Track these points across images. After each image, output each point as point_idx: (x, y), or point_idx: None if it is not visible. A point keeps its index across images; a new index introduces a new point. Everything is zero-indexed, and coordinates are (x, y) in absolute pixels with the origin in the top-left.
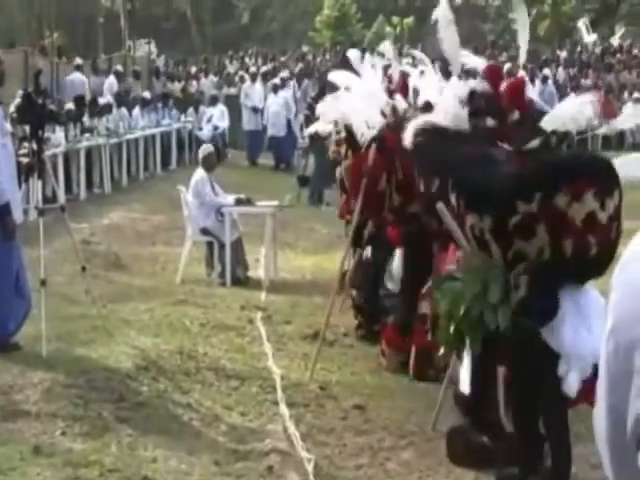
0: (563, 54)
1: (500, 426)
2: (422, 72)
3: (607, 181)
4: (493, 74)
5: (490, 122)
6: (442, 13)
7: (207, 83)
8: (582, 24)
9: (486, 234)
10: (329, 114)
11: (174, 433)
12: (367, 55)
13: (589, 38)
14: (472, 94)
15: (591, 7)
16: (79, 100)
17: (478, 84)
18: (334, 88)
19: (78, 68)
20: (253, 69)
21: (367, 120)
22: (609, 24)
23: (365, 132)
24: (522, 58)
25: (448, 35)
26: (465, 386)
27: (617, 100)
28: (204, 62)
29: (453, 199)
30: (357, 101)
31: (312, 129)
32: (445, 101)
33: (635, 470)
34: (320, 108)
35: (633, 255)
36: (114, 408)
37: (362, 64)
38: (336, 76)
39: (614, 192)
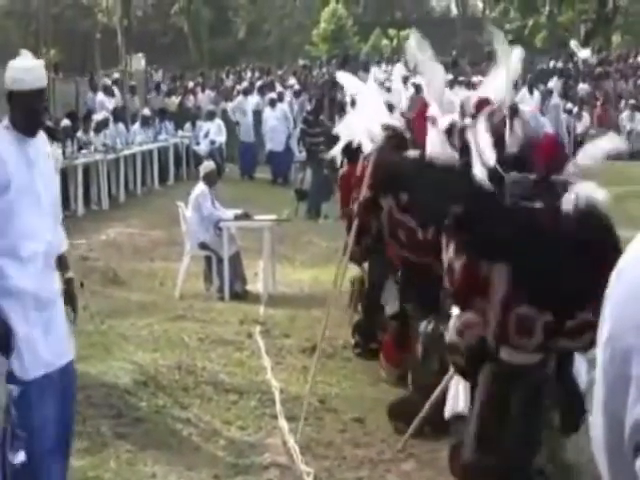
0: (559, 64)
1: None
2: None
3: None
4: (482, 107)
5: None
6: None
7: (204, 98)
8: (573, 45)
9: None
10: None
11: (173, 448)
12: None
13: (583, 54)
14: (457, 128)
15: (587, 17)
16: (73, 116)
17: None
18: (332, 100)
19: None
20: (245, 83)
21: (369, 133)
22: (605, 34)
23: (366, 144)
24: (507, 101)
25: (433, 75)
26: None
27: (614, 109)
28: (201, 77)
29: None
30: (361, 115)
31: (333, 152)
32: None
33: (633, 477)
34: (339, 128)
35: (629, 263)
36: (113, 424)
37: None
38: (343, 78)
39: None
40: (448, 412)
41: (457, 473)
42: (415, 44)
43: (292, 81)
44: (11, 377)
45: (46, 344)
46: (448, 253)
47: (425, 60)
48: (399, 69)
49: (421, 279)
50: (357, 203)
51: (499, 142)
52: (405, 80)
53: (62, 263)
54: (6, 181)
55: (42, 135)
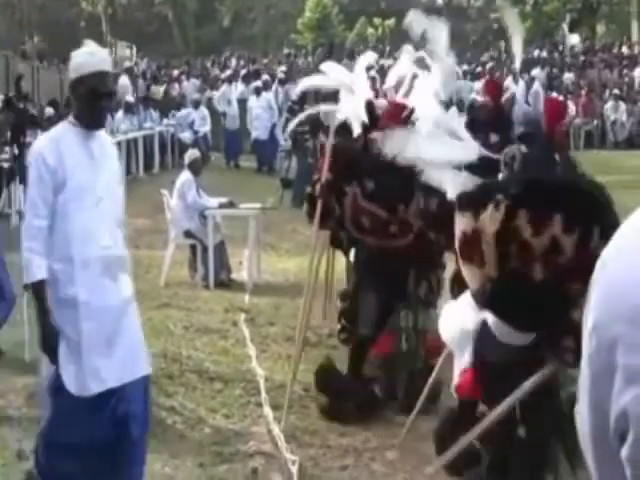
0: (543, 54)
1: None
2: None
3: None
4: (494, 89)
5: (494, 137)
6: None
7: (189, 86)
8: (565, 26)
9: None
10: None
11: (158, 436)
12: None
13: (572, 39)
14: (472, 106)
15: (572, 7)
16: (54, 103)
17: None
18: (318, 90)
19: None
20: (229, 72)
21: (354, 115)
22: (590, 24)
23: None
24: (517, 64)
25: (444, 65)
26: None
27: (599, 98)
28: (186, 65)
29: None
30: (345, 98)
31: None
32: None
33: (618, 466)
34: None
35: (614, 252)
36: None
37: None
38: (327, 67)
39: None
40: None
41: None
42: (436, 32)
43: (282, 68)
44: (60, 390)
45: (104, 359)
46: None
47: (441, 52)
48: (368, 57)
49: (384, 264)
50: (319, 185)
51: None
52: (369, 69)
53: None
54: (62, 179)
55: (108, 137)
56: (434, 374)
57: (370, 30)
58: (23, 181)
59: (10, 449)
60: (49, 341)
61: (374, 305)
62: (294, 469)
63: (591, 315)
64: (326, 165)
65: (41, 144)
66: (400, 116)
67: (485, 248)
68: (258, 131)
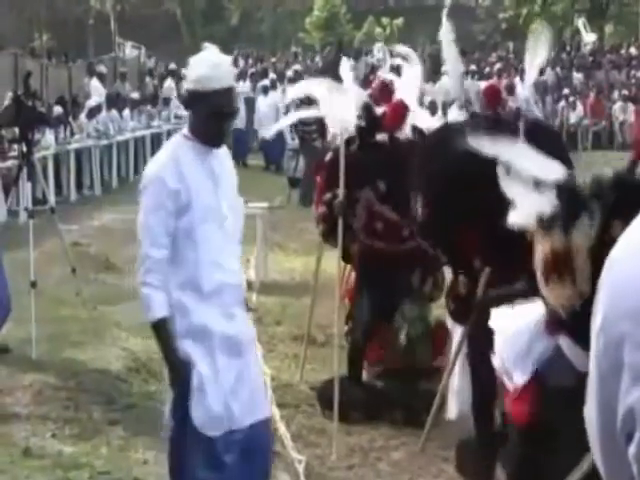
0: (551, 54)
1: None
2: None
3: None
4: (493, 94)
5: None
6: (447, 43)
7: None
8: (581, 24)
9: None
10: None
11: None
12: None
13: (588, 37)
14: (472, 115)
15: (581, 7)
16: (62, 101)
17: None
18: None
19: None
20: (235, 70)
21: (342, 121)
22: (599, 25)
23: (339, 133)
24: (530, 79)
25: (453, 65)
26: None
27: (607, 99)
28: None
29: None
30: (333, 102)
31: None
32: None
33: (625, 465)
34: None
35: (621, 252)
36: (105, 410)
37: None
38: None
39: None
40: (452, 413)
41: (463, 472)
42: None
43: (295, 67)
44: (193, 431)
45: (235, 397)
46: None
47: (451, 53)
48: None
49: (387, 266)
50: (335, 203)
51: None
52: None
53: None
54: (187, 200)
55: (224, 148)
56: (442, 385)
57: (378, 29)
58: (31, 178)
59: (17, 446)
60: (180, 375)
61: (368, 309)
62: (300, 468)
63: (599, 314)
64: (341, 182)
65: (158, 166)
66: (405, 116)
67: (578, 265)
68: (265, 130)
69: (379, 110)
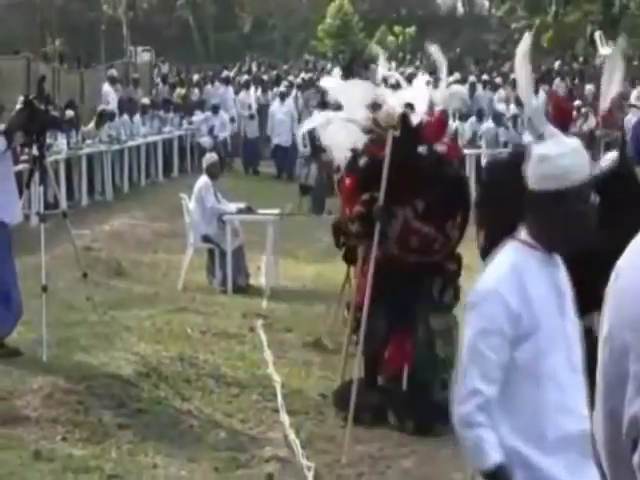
0: (564, 66)
1: None
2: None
3: None
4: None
5: None
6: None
7: (212, 91)
8: (598, 37)
9: None
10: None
11: (174, 439)
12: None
13: (604, 51)
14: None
15: (594, 19)
16: (72, 105)
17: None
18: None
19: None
20: (245, 77)
21: (350, 145)
22: (611, 36)
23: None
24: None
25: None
26: None
27: (619, 111)
28: (211, 70)
29: None
30: (338, 131)
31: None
32: None
33: (630, 471)
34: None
35: (626, 264)
36: (114, 414)
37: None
38: (327, 82)
39: None
40: None
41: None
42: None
43: (303, 75)
44: None
45: None
46: None
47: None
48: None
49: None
50: (375, 207)
51: None
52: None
53: None
54: (531, 325)
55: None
56: None
57: (390, 38)
58: (43, 182)
59: (27, 449)
60: None
61: (385, 318)
62: (310, 475)
63: (605, 324)
64: (383, 185)
65: (494, 280)
66: (446, 127)
67: None
68: (280, 137)
69: (416, 120)
